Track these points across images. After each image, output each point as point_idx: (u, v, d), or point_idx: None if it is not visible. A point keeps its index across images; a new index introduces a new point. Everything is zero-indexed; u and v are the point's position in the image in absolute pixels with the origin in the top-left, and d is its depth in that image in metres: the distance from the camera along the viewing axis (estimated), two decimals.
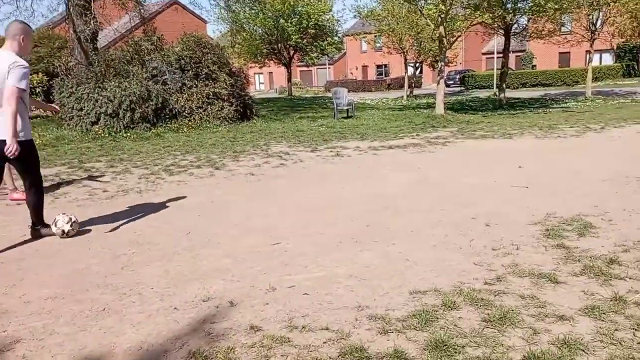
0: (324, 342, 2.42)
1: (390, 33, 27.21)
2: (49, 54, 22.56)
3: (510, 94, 23.78)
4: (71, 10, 14.44)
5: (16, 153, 3.85)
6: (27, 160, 4.14)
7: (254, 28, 32.43)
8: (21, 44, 4.02)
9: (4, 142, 3.84)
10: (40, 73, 22.35)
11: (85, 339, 2.56)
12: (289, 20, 30.94)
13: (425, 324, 2.53)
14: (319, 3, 31.78)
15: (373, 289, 3.05)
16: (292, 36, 31.40)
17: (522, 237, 3.85)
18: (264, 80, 61.41)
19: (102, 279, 3.38)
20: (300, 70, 56.60)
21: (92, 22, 14.00)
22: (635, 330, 2.37)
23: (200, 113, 13.74)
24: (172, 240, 4.21)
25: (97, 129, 12.12)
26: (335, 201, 5.44)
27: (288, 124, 14.35)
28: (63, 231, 4.29)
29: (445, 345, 2.30)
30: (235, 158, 8.54)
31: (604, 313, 2.55)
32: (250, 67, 38.45)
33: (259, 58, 34.67)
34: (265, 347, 2.40)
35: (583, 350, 2.22)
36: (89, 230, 4.54)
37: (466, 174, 6.52)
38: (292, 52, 35.05)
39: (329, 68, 56.65)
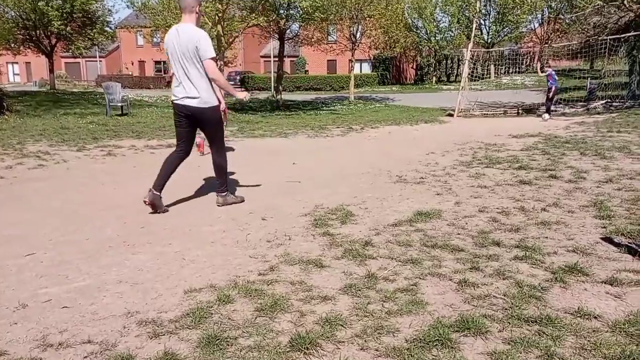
0: (85, 357, 2.18)
1: (167, 28, 26.30)
2: None
3: (286, 96, 25.26)
4: None
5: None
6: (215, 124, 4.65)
7: (5, 9, 27.65)
8: (197, 15, 4.37)
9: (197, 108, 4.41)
10: None
11: None
12: (50, 4, 27.19)
13: (198, 321, 2.49)
14: None
15: (145, 292, 2.88)
16: (54, 22, 27.64)
17: (294, 228, 4.09)
18: (20, 71, 53.38)
19: None
20: (65, 62, 50.76)
21: None
22: (384, 302, 2.71)
23: None
24: None
25: None
26: (105, 203, 5.00)
27: (50, 120, 12.73)
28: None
29: (218, 339, 2.29)
30: None
31: (359, 290, 2.86)
32: (1, 55, 32.93)
33: (13, 45, 29.74)
34: None
35: (342, 325, 2.44)
36: None
37: (245, 171, 6.66)
38: (54, 41, 30.94)
39: (100, 61, 52.11)
